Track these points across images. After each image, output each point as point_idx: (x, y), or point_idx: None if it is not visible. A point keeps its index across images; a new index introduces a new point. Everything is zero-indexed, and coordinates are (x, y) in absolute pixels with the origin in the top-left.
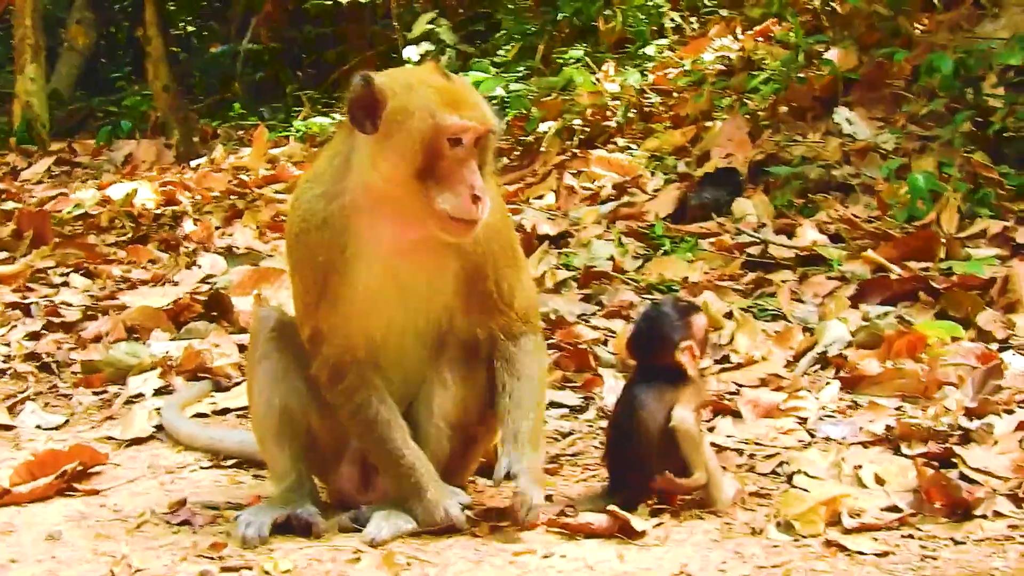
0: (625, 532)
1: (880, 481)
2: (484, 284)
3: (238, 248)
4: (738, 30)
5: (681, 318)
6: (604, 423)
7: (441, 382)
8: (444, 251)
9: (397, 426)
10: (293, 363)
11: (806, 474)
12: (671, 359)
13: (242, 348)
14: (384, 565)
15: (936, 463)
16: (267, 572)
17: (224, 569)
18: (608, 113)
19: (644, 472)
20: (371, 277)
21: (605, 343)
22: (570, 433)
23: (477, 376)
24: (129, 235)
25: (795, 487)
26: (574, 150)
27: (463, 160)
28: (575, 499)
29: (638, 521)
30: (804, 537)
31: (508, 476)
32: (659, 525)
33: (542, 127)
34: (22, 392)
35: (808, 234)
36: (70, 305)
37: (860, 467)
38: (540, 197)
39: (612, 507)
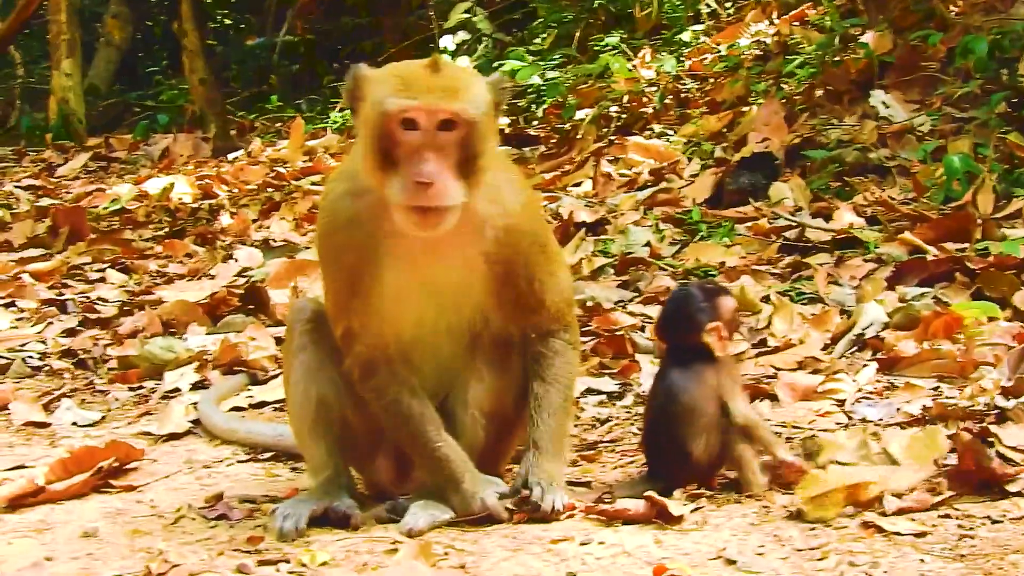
0: (663, 517)
1: (913, 456)
2: (515, 282)
3: (275, 240)
4: (774, 15)
5: (708, 300)
6: (642, 409)
7: (476, 374)
8: (472, 249)
9: (430, 419)
10: (329, 355)
11: (835, 461)
12: (698, 340)
13: (278, 341)
14: (421, 555)
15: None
16: (304, 565)
17: (261, 563)
18: (644, 99)
19: (684, 456)
20: (400, 276)
21: (642, 329)
22: (608, 419)
23: (512, 367)
24: (165, 229)
25: (815, 473)
26: (611, 137)
27: (419, 147)
28: (613, 485)
29: (676, 506)
30: (845, 518)
31: (525, 485)
32: (697, 510)
33: (579, 114)
34: (58, 389)
35: (845, 217)
36: (106, 301)
37: (888, 446)
38: (577, 184)
39: (650, 493)
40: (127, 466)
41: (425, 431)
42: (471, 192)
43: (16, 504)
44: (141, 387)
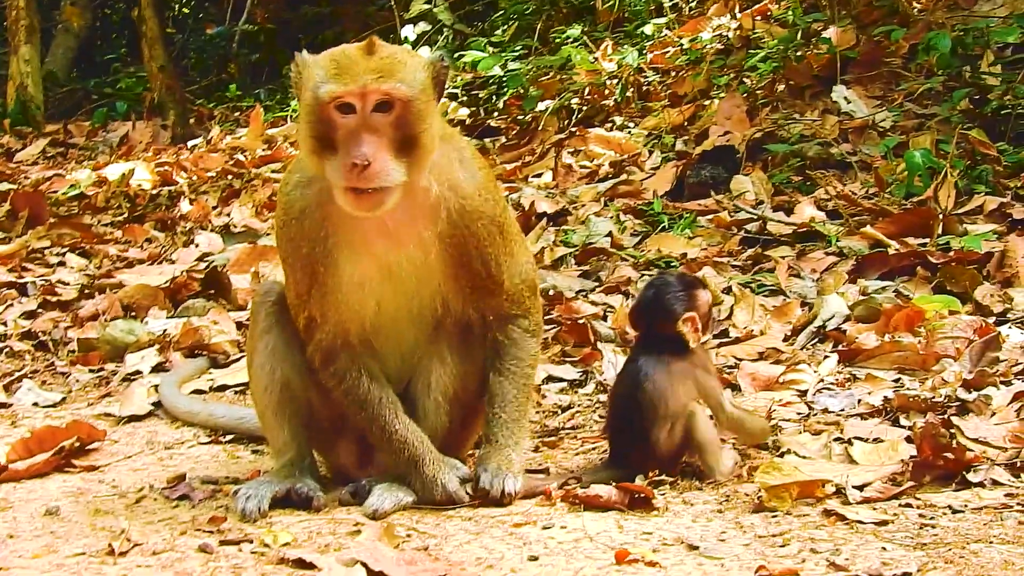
0: (637, 505)
1: (873, 460)
2: (472, 264)
3: (235, 226)
4: (736, 8)
5: (685, 290)
6: (603, 397)
7: (439, 359)
8: (427, 232)
9: (389, 403)
10: (294, 337)
11: (796, 454)
12: (673, 329)
13: (240, 325)
14: (384, 537)
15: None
16: (267, 545)
17: (224, 542)
18: (606, 92)
19: (647, 443)
20: (357, 262)
21: (604, 318)
22: (569, 407)
23: (474, 352)
24: (125, 215)
25: (777, 461)
26: (572, 129)
27: (355, 129)
28: (575, 472)
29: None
30: (804, 507)
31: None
32: (660, 496)
33: (540, 106)
34: (19, 370)
35: (806, 211)
36: (66, 284)
37: (851, 443)
38: (538, 175)
39: (622, 481)
40: (88, 446)
41: (384, 415)
42: (412, 172)
43: None
44: (102, 369)
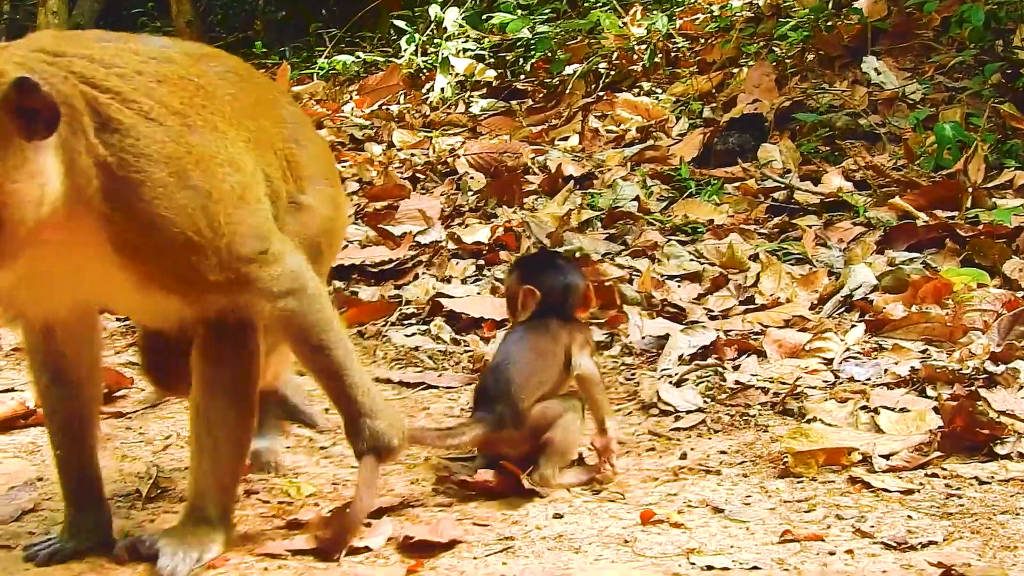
0: (514, 490)
1: (900, 429)
2: (163, 288)
3: None
4: None
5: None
6: (629, 359)
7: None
8: (99, 265)
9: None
10: None
11: (822, 421)
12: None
13: None
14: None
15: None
16: (288, 495)
17: (247, 492)
18: (634, 57)
19: (517, 411)
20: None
21: (630, 281)
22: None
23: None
24: None
25: (804, 427)
26: (599, 93)
27: None
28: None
29: (525, 481)
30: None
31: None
32: (683, 456)
33: (567, 70)
34: None
35: (833, 181)
36: None
37: (878, 412)
38: (564, 139)
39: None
40: (115, 393)
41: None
42: (5, 248)
43: (7, 425)
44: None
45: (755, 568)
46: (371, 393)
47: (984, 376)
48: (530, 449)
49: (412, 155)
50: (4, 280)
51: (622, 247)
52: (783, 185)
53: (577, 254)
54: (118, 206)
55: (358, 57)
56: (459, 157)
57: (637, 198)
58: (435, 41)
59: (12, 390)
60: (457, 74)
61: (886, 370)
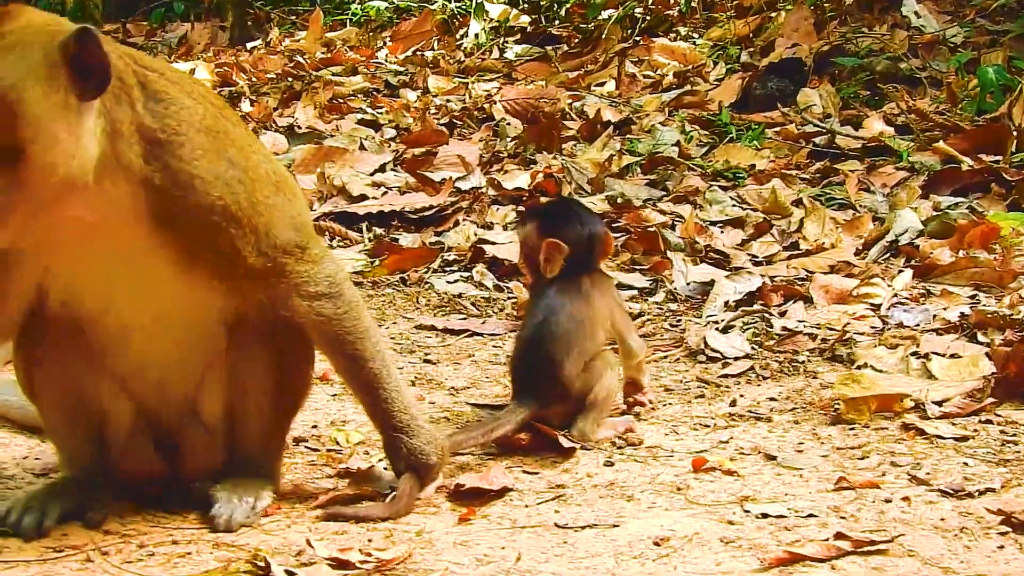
0: (553, 449)
1: (953, 375)
2: (201, 262)
3: (300, 127)
4: None
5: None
6: (674, 305)
7: (243, 361)
8: (133, 241)
9: None
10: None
11: (872, 367)
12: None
13: None
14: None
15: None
16: (337, 443)
17: (297, 440)
18: (670, 1)
19: (558, 379)
20: (58, 262)
21: (672, 227)
22: (640, 314)
23: (277, 342)
24: None
25: (856, 373)
26: (635, 38)
27: None
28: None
29: (564, 440)
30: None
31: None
32: (733, 403)
33: (603, 14)
34: None
35: (875, 125)
36: None
37: (929, 359)
38: (601, 84)
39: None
40: None
41: None
42: (26, 192)
43: None
44: None
45: (811, 516)
46: (409, 409)
47: None
48: (572, 411)
49: (448, 101)
50: (24, 240)
51: (663, 193)
52: (824, 130)
53: (618, 199)
54: (159, 168)
55: (391, 3)
56: (495, 103)
57: (677, 143)
58: None
59: None
60: (491, 19)
61: (935, 316)
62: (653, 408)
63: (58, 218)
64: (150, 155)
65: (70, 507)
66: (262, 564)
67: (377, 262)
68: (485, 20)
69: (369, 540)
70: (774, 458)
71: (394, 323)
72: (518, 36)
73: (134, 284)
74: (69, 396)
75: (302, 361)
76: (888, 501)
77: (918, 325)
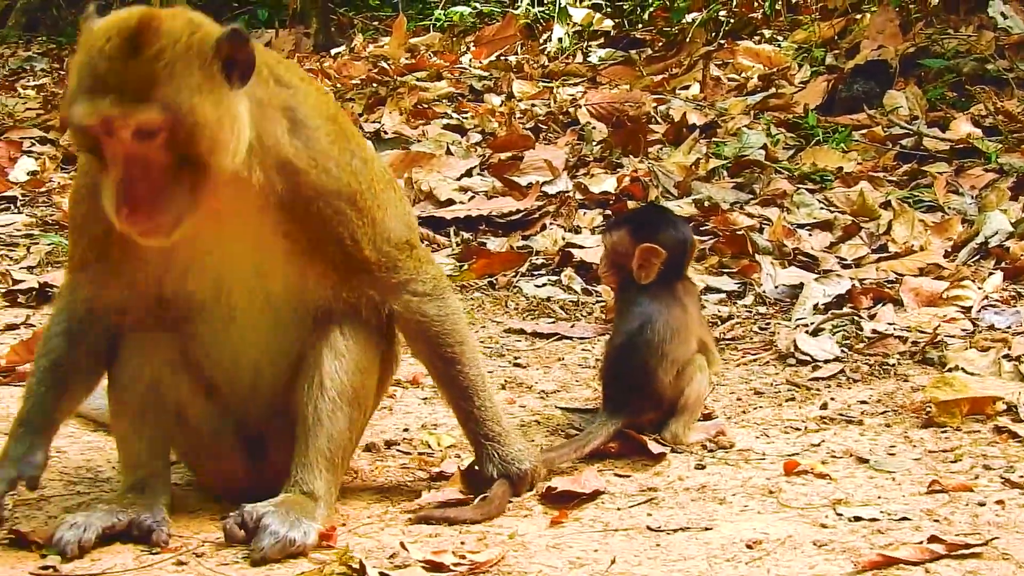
0: (642, 454)
1: None
2: (322, 250)
3: (386, 133)
4: None
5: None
6: (763, 308)
7: (333, 351)
8: (258, 227)
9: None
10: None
11: (964, 370)
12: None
13: None
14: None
15: None
16: (428, 446)
17: (388, 443)
18: (754, 4)
19: (652, 387)
20: (178, 252)
21: (760, 230)
22: (729, 317)
23: (373, 338)
24: None
25: (947, 376)
26: (720, 41)
27: (118, 157)
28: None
29: (653, 445)
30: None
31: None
32: (824, 406)
33: (687, 18)
34: None
35: (962, 127)
36: None
37: (1020, 361)
38: (685, 88)
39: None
40: None
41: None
42: (203, 192)
43: None
44: None
45: (904, 519)
46: (501, 419)
47: None
48: (663, 415)
49: (532, 105)
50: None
51: (750, 196)
52: (911, 132)
53: (705, 203)
54: (300, 147)
55: (474, 8)
56: (580, 107)
57: (764, 147)
58: None
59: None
60: (574, 23)
61: None
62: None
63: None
64: (292, 132)
65: (120, 526)
66: (356, 566)
67: (466, 266)
68: (568, 24)
69: (462, 543)
70: (866, 461)
71: (483, 327)
72: (601, 40)
73: (250, 272)
74: (145, 394)
75: (384, 376)
76: (982, 504)
77: (1009, 327)
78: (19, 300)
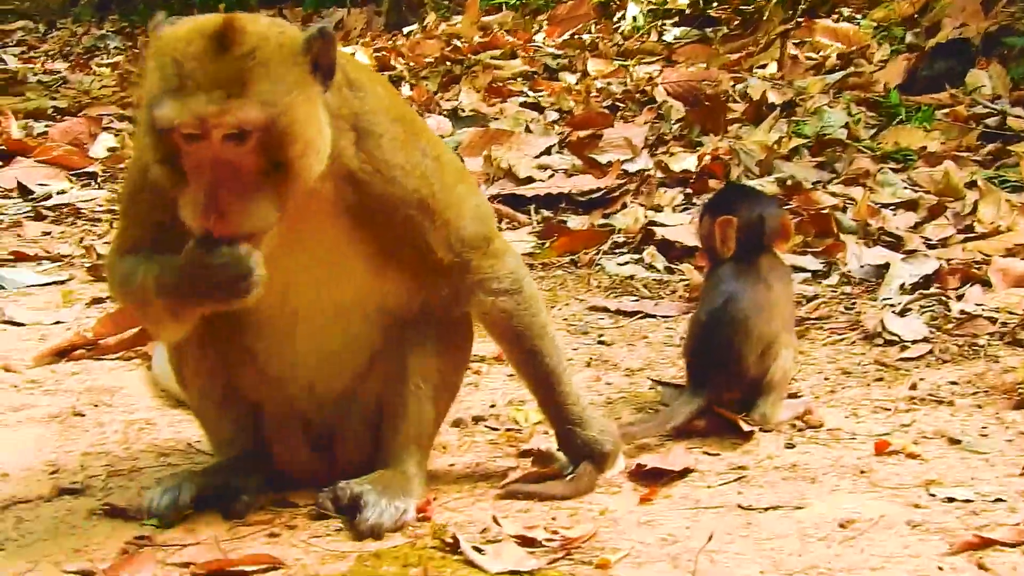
0: (730, 432)
1: None
2: (394, 253)
3: (463, 110)
4: None
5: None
6: (848, 288)
7: (413, 343)
8: (330, 232)
9: None
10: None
11: None
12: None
13: None
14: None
15: None
16: (516, 422)
17: (476, 419)
18: None
19: (738, 366)
20: None
21: (844, 210)
22: (815, 297)
23: (450, 333)
24: None
25: None
26: (798, 19)
27: (204, 163)
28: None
29: (745, 425)
30: None
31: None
32: (913, 387)
33: None
34: None
35: None
36: None
37: None
38: (763, 66)
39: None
40: None
41: None
42: (290, 199)
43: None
44: None
45: (999, 500)
46: (580, 402)
47: None
48: (747, 393)
49: (608, 84)
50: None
51: (832, 175)
52: (995, 111)
53: (788, 182)
54: (365, 158)
55: None
56: (657, 86)
57: (846, 125)
58: None
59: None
60: (649, 2)
61: None
62: None
63: None
64: (358, 144)
65: (209, 489)
66: (450, 540)
67: (547, 244)
68: (643, 2)
69: (553, 518)
70: (958, 442)
71: (566, 304)
72: (676, 19)
73: (321, 277)
74: (221, 387)
75: (463, 355)
76: None
77: None
78: (103, 275)
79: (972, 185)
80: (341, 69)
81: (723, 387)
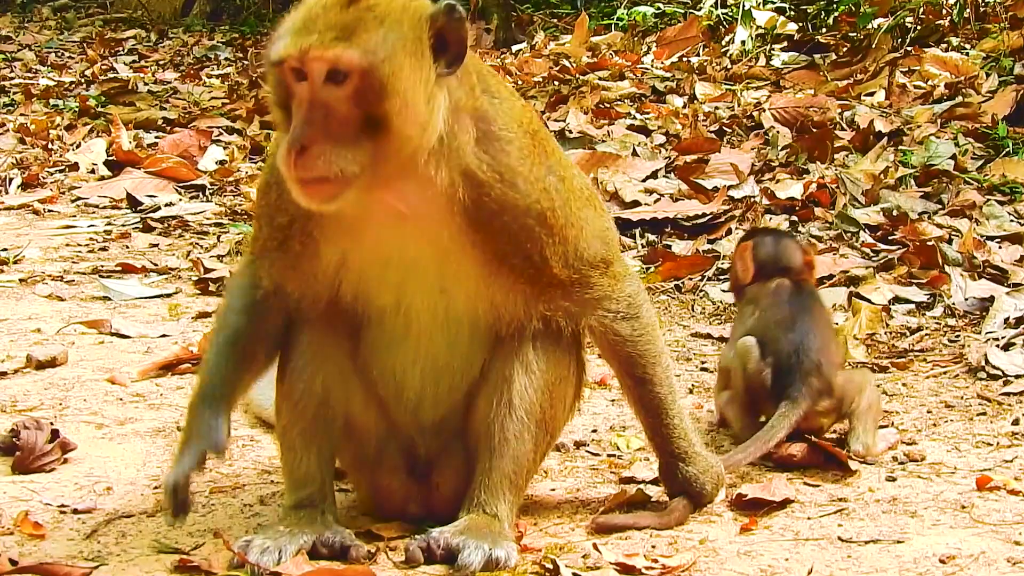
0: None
1: None
2: (508, 262)
3: (571, 132)
4: None
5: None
6: (952, 320)
7: (523, 366)
8: (442, 230)
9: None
10: (339, 330)
11: None
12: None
13: None
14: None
15: None
16: (617, 448)
17: (577, 444)
18: (942, 12)
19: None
20: (356, 251)
21: (949, 241)
22: (918, 329)
23: (562, 356)
24: None
25: None
26: (906, 48)
27: (302, 102)
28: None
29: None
30: None
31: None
32: (1016, 422)
33: (873, 23)
34: None
35: None
36: None
37: None
38: (871, 94)
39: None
40: None
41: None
42: (378, 161)
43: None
44: None
45: None
46: (689, 436)
47: None
48: (838, 419)
49: (716, 108)
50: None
51: (938, 206)
52: None
53: (894, 212)
54: (487, 160)
55: (657, 8)
56: (764, 111)
57: (953, 156)
58: None
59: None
60: (758, 26)
61: None
62: None
63: (377, 202)
64: (480, 144)
65: (306, 544)
66: (550, 566)
67: (651, 269)
68: (752, 27)
69: (653, 547)
70: None
71: (670, 330)
72: (784, 44)
73: (433, 281)
74: (318, 408)
75: (571, 393)
76: None
77: None
78: (210, 288)
79: None
80: (480, 76)
81: (820, 393)
